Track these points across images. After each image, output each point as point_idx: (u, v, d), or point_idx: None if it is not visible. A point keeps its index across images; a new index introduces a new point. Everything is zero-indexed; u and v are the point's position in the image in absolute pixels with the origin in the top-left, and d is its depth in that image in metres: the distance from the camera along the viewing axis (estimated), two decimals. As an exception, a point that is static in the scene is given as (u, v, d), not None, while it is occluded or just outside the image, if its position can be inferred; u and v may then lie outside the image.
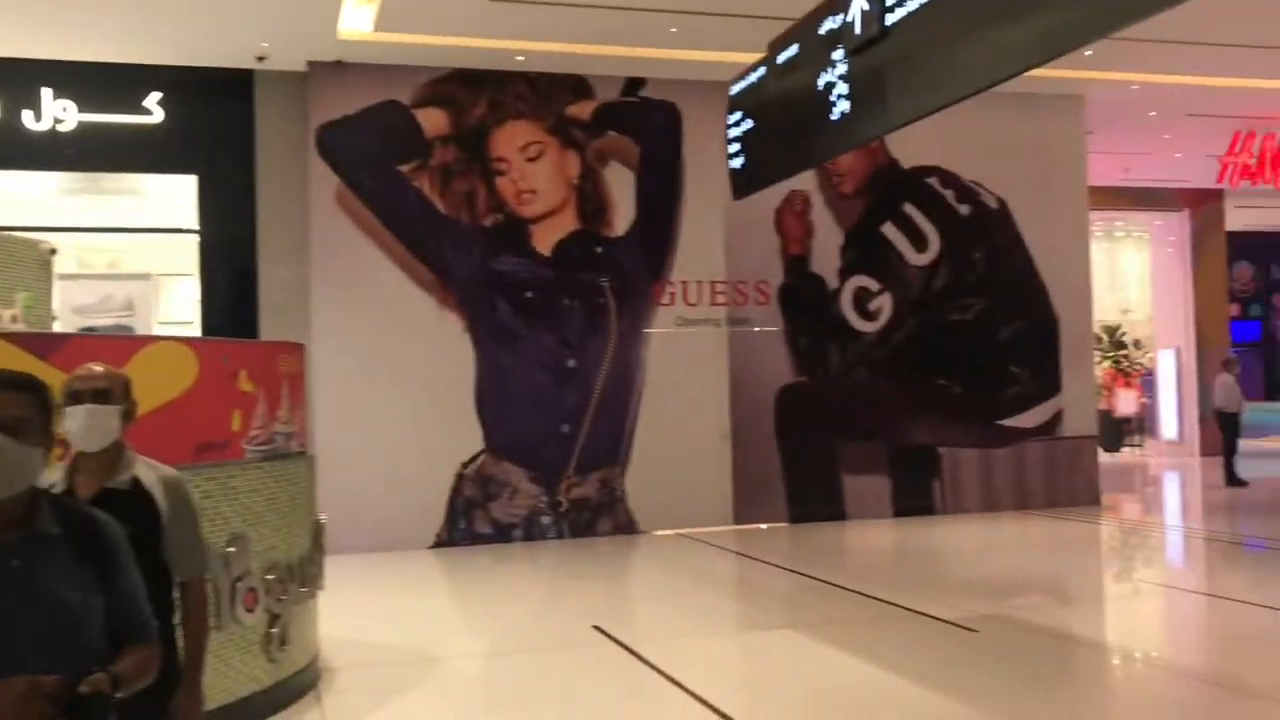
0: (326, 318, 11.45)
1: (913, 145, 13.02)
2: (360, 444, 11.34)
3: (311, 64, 11.49)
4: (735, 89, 8.76)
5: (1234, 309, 23.52)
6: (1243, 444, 15.99)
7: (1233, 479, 15.00)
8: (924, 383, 13.06)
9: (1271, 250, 26.28)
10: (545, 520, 11.75)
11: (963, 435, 13.13)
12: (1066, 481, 13.47)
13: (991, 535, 11.78)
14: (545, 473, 11.76)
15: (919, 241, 13.11)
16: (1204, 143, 16.07)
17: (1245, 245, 25.30)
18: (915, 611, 7.64)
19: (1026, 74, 12.60)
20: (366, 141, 11.60)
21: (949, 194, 13.26)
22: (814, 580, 9.22)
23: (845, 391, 12.92)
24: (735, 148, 8.80)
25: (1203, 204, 20.56)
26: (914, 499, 12.98)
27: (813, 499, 12.63)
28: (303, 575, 6.01)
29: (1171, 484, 17.26)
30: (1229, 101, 14.04)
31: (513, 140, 11.97)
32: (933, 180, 13.25)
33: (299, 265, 11.63)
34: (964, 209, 13.28)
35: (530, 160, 11.99)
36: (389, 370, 11.52)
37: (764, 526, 12.32)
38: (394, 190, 11.62)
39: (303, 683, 6.03)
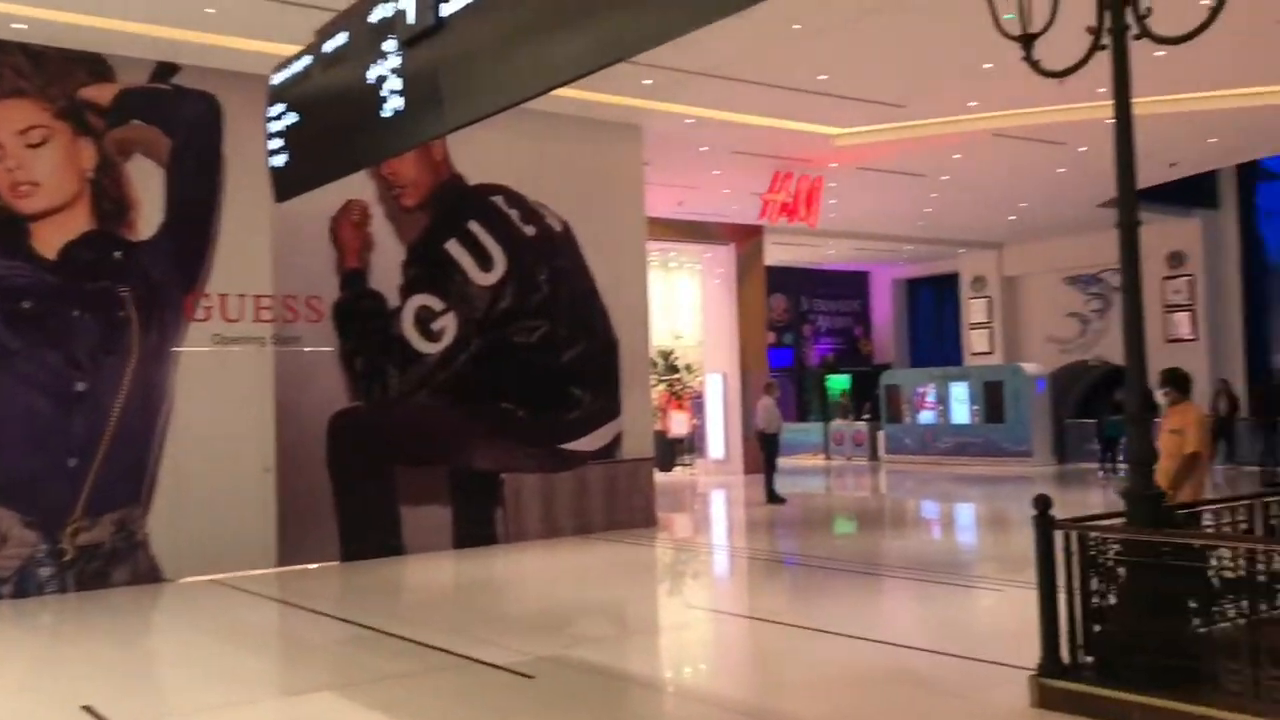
0: None
1: (478, 162, 12.62)
2: None
3: None
4: (277, 79, 7.78)
5: (771, 337, 25.51)
6: (780, 462, 17.16)
7: (772, 496, 15.95)
8: (487, 406, 12.62)
9: (802, 284, 28.93)
10: (45, 572, 9.92)
11: (525, 460, 12.84)
12: (625, 503, 13.59)
13: (552, 564, 11.53)
14: (45, 515, 9.94)
15: (484, 261, 12.69)
16: (749, 180, 17.09)
17: (780, 279, 27.64)
18: (471, 659, 7.04)
19: (589, 100, 12.63)
20: None
21: (514, 214, 12.97)
22: (364, 629, 8.37)
23: (405, 416, 12.18)
24: (277, 144, 7.81)
25: (747, 239, 22.04)
26: (476, 528, 12.48)
27: (368, 534, 11.74)
28: None
29: (719, 502, 18.16)
30: (770, 141, 14.96)
31: (9, 122, 10.11)
32: (498, 199, 12.89)
33: None
34: (529, 230, 13.05)
35: (31, 146, 10.18)
36: None
37: (313, 567, 11.24)
38: None
39: None
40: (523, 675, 6.59)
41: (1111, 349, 24.42)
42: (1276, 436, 17.41)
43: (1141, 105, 13.74)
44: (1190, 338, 22.96)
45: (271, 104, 7.82)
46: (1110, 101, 13.24)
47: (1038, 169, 17.34)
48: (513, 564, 11.65)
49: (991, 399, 23.26)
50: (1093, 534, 5.43)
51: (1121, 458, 19.98)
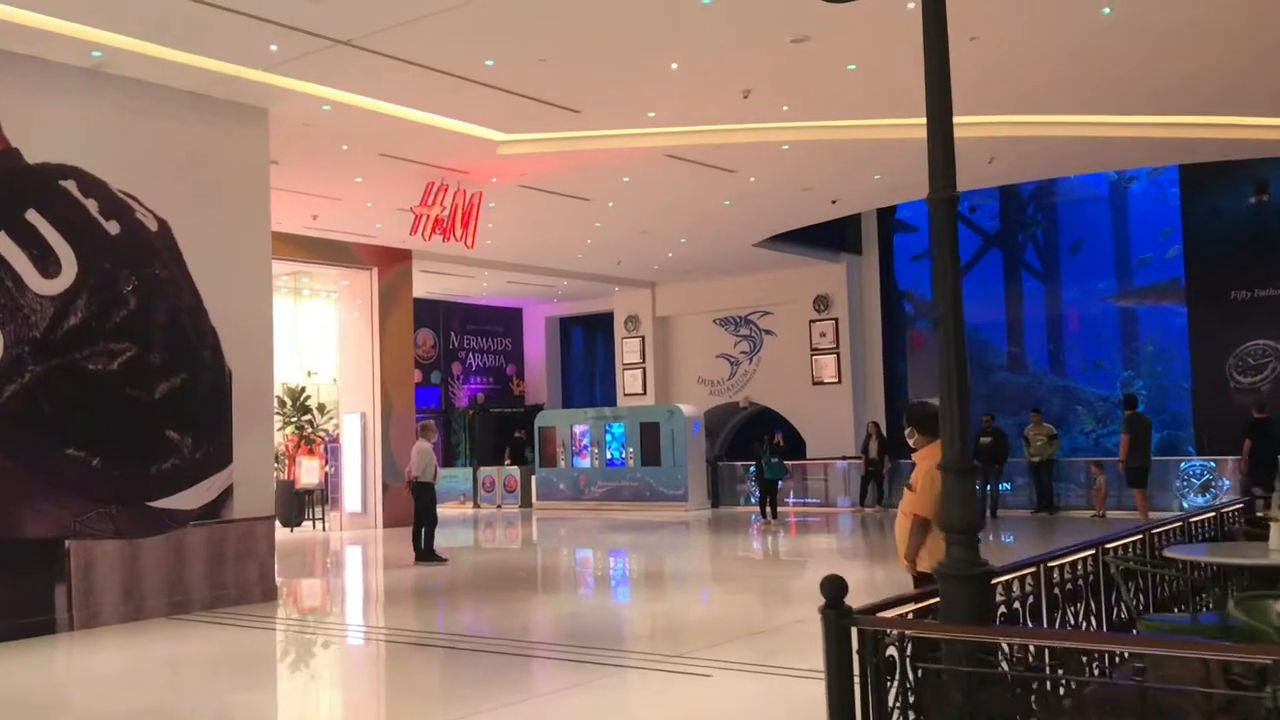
0: None
1: (44, 134, 9.79)
2: None
3: None
4: None
5: (417, 375, 23.30)
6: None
7: (428, 554, 13.65)
8: (47, 453, 9.62)
9: (451, 319, 26.94)
10: None
11: (101, 523, 9.92)
12: (236, 573, 10.94)
13: (128, 659, 8.75)
14: None
15: (47, 263, 9.73)
16: (397, 191, 14.96)
17: (428, 312, 25.55)
18: None
19: (200, 67, 10.04)
20: None
21: (92, 205, 10.10)
22: None
23: (-77, 467, 8.97)
24: None
25: (392, 264, 19.82)
26: (26, 613, 9.41)
27: None
28: None
29: (356, 563, 15.67)
30: (425, 143, 12.94)
31: None
32: (70, 184, 9.99)
33: None
34: (112, 227, 10.21)
35: None
36: None
37: None
38: None
39: None
40: None
41: (760, 390, 24.32)
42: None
43: (816, 131, 13.06)
44: (834, 380, 23.19)
45: None
46: (791, 124, 12.29)
47: (705, 199, 16.48)
48: (74, 661, 8.77)
49: (648, 441, 22.30)
50: (894, 631, 3.83)
51: (768, 503, 19.49)
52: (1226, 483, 16.96)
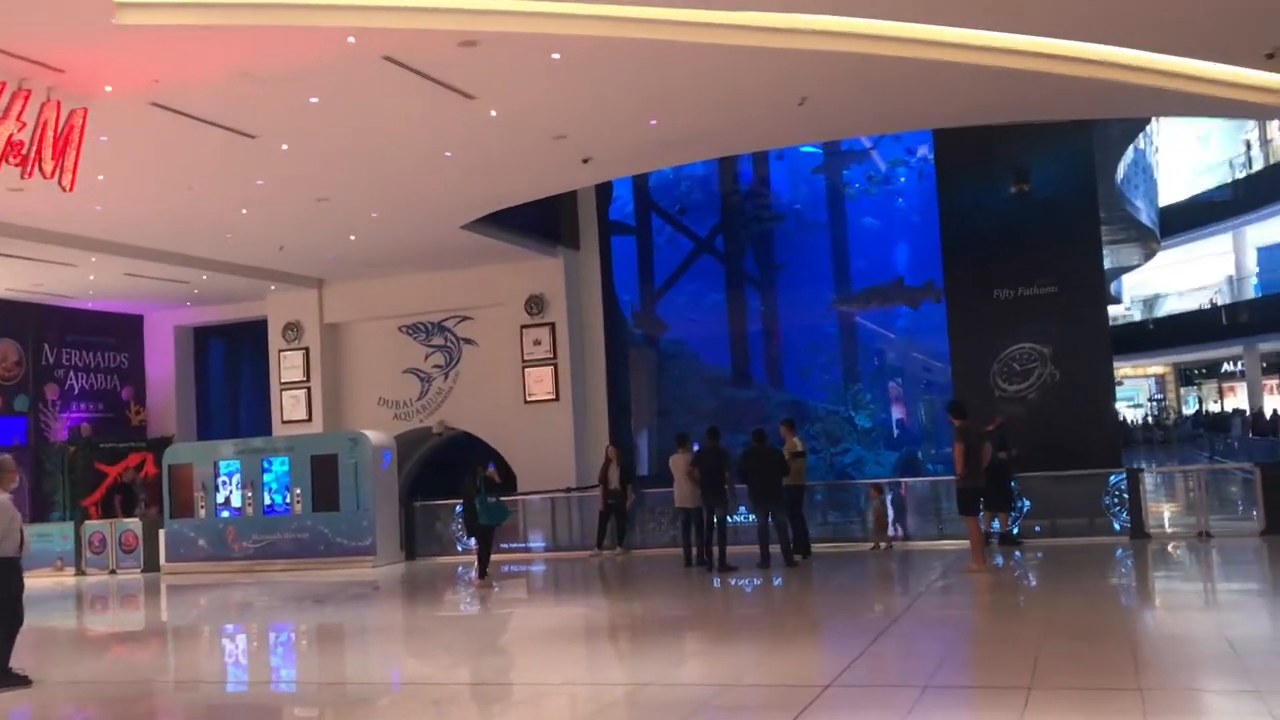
0: None
1: None
2: None
3: None
4: None
5: (-7, 400, 17.06)
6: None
7: (4, 676, 8.29)
8: None
9: (44, 327, 20.52)
10: None
11: None
12: None
13: None
14: None
15: None
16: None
17: (10, 317, 19.24)
18: None
19: None
20: None
21: None
22: None
23: None
24: None
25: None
26: None
27: None
28: None
29: None
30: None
31: None
32: None
33: None
34: None
35: None
36: None
37: None
38: None
39: None
40: None
41: (459, 412, 20.05)
42: (714, 512, 13.84)
43: (614, 25, 9.23)
44: (550, 397, 19.38)
45: None
46: (584, 8, 8.26)
47: (420, 148, 12.17)
48: None
49: (322, 479, 17.39)
50: None
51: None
52: (1027, 503, 14.78)
